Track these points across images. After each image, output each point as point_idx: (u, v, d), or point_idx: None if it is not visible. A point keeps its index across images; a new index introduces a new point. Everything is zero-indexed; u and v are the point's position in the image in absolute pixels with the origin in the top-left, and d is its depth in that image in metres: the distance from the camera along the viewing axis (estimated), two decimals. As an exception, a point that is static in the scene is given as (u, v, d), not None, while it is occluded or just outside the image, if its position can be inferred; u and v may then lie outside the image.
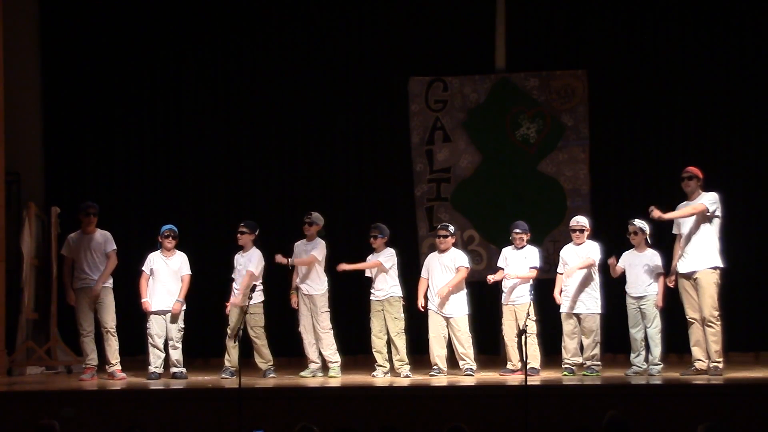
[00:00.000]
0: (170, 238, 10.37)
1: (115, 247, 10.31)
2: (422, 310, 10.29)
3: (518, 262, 10.27)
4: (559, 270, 10.21)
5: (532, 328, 9.84)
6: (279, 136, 12.56)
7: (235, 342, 9.99)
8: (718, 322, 9.44)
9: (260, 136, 12.57)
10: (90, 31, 12.63)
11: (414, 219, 12.33)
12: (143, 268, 10.37)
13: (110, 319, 10.21)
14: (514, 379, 9.69)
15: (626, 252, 10.03)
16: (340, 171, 12.53)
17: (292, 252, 10.45)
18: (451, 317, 10.18)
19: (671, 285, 9.76)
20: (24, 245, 11.29)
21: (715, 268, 9.48)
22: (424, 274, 10.42)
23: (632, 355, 9.89)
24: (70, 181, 12.55)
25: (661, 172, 11.78)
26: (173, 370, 10.25)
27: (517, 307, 10.09)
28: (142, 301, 10.30)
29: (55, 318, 11.05)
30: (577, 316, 9.96)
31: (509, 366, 10.21)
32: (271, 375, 10.29)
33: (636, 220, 9.97)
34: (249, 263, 10.33)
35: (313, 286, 10.30)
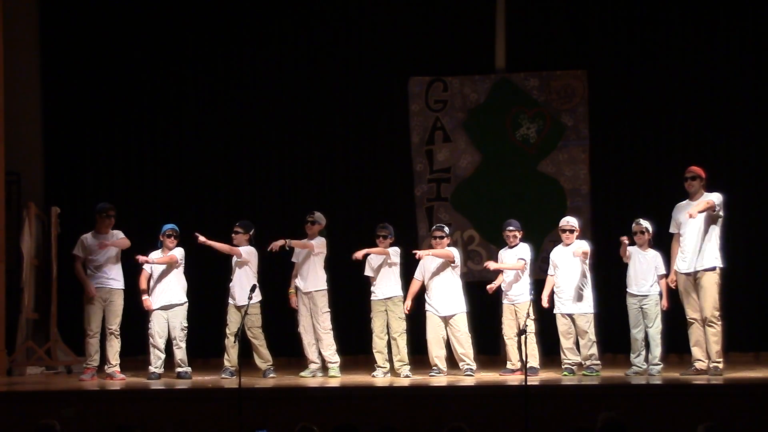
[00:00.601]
0: (172, 238, 10.37)
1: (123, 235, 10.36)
2: (407, 312, 10.24)
3: (512, 262, 10.27)
4: (549, 272, 10.19)
5: (532, 327, 9.83)
6: (279, 136, 12.56)
7: (234, 342, 9.99)
8: (719, 322, 9.43)
9: (260, 136, 12.57)
10: (90, 31, 12.65)
11: (414, 219, 12.32)
12: (144, 267, 10.37)
13: (116, 322, 10.22)
14: (514, 379, 9.69)
15: (630, 247, 9.94)
16: (340, 171, 12.53)
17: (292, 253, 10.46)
18: (449, 317, 10.16)
19: (673, 286, 9.75)
20: (24, 245, 11.29)
21: (716, 268, 9.47)
22: (418, 275, 10.37)
23: (632, 355, 9.87)
24: (70, 181, 12.57)
25: (661, 172, 11.79)
26: (178, 369, 10.25)
27: (517, 306, 10.08)
28: (143, 299, 10.30)
29: (55, 318, 11.07)
30: (570, 316, 9.96)
31: (509, 366, 10.21)
32: (271, 375, 10.29)
33: (641, 219, 9.96)
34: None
35: (312, 282, 10.28)
